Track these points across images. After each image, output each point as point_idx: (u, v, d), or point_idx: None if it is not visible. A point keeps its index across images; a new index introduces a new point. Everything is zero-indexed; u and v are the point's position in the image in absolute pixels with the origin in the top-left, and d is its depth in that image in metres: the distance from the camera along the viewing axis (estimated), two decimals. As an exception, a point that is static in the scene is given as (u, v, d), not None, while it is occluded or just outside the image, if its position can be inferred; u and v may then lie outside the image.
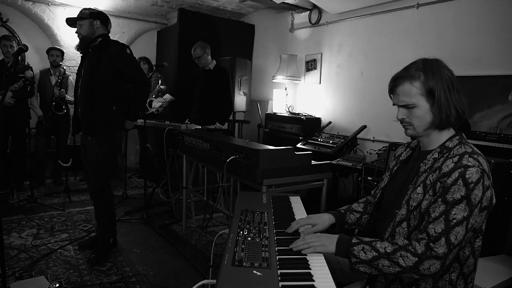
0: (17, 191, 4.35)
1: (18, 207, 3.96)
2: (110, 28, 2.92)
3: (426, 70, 1.29)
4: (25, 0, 4.99)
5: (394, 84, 1.36)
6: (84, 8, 2.80)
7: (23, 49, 2.33)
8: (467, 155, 1.24)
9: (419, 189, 1.31)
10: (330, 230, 1.57)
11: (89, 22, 2.74)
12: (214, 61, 4.10)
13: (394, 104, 1.39)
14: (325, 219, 1.58)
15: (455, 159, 1.24)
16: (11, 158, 4.43)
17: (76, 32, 2.81)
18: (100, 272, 2.69)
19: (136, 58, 2.99)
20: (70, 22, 2.83)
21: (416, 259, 1.18)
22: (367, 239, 1.30)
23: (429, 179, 1.29)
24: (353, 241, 1.29)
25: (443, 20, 3.43)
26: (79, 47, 2.86)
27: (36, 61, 5.18)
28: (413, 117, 1.33)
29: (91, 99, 2.74)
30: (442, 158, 1.30)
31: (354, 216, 1.64)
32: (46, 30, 5.30)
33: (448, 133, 1.36)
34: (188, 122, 3.85)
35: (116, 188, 4.73)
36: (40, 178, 4.87)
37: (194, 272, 2.77)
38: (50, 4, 5.13)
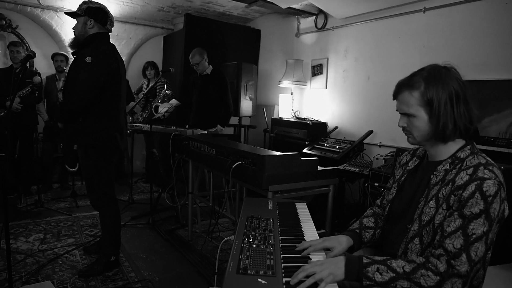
0: (24, 195, 4.38)
1: (26, 212, 3.98)
2: (111, 26, 2.65)
3: (429, 80, 1.25)
4: (34, 7, 5.04)
5: (396, 91, 1.34)
6: (83, 2, 2.56)
7: (31, 55, 2.35)
8: (482, 167, 1.18)
9: (432, 203, 1.26)
10: (348, 252, 1.49)
11: (83, 21, 2.52)
12: (211, 66, 4.16)
13: (397, 110, 1.37)
14: (343, 242, 1.45)
15: (470, 171, 1.19)
16: (19, 163, 4.47)
17: (72, 28, 2.60)
18: (106, 278, 2.68)
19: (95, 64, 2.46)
20: (71, 15, 2.63)
21: (438, 278, 1.11)
22: (378, 257, 1.21)
23: (442, 193, 1.24)
24: (364, 261, 1.19)
25: (451, 24, 3.41)
26: (70, 46, 2.63)
27: (44, 66, 5.23)
28: (413, 126, 1.31)
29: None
30: (454, 170, 1.25)
31: (369, 233, 1.55)
32: (54, 36, 5.36)
33: (457, 143, 1.31)
34: (187, 128, 3.86)
35: (122, 193, 4.75)
36: (47, 183, 4.90)
37: (200, 278, 2.76)
38: (58, 10, 5.18)
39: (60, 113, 2.56)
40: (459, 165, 1.25)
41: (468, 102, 1.25)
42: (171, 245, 3.32)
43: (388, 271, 1.15)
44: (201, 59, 4.01)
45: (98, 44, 2.53)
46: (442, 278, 1.11)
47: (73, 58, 2.61)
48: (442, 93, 1.23)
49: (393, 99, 1.37)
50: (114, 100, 2.62)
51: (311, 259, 1.30)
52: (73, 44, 2.60)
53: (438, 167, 1.31)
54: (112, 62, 2.54)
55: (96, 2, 2.61)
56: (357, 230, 1.56)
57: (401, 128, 1.36)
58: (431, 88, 1.24)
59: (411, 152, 1.57)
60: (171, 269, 2.88)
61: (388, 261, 1.19)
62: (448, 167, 1.28)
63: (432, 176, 1.31)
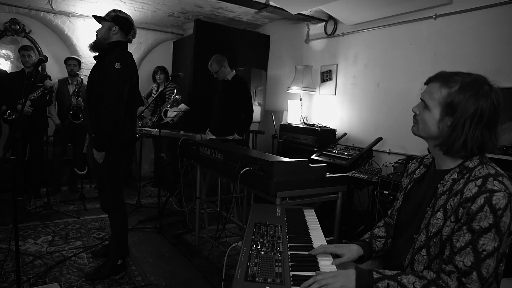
0: (34, 197, 4.42)
1: (35, 214, 4.02)
2: (132, 37, 2.75)
3: (466, 87, 1.19)
4: (47, 12, 5.12)
5: (431, 78, 1.29)
6: (113, 10, 2.66)
7: (43, 59, 2.38)
8: (491, 178, 1.14)
9: (439, 214, 1.22)
10: (357, 262, 1.49)
11: (109, 26, 2.60)
12: (234, 71, 4.05)
13: (420, 96, 1.33)
14: (354, 250, 1.47)
15: (478, 182, 1.14)
16: (29, 165, 4.51)
17: (96, 31, 2.68)
18: (113, 281, 2.69)
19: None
20: (97, 19, 2.70)
21: None
22: (389, 272, 1.20)
23: (450, 204, 1.20)
24: (375, 276, 1.18)
25: (462, 31, 3.38)
26: (90, 47, 2.68)
27: (55, 70, 5.29)
28: (422, 117, 1.28)
29: (88, 107, 2.68)
30: (462, 180, 1.21)
31: (380, 243, 1.55)
32: (65, 41, 5.43)
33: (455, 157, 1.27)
34: (209, 133, 3.85)
35: (130, 196, 4.76)
36: (56, 185, 4.94)
37: (206, 284, 2.75)
38: (70, 15, 5.26)
39: (97, 140, 2.54)
40: (467, 175, 1.21)
41: (490, 129, 1.19)
42: (178, 249, 3.32)
43: (398, 287, 1.14)
44: (219, 67, 3.89)
45: (121, 52, 2.61)
46: None
47: (89, 65, 2.67)
48: (470, 107, 1.17)
49: (425, 84, 1.32)
50: (134, 104, 2.74)
51: (319, 268, 1.29)
52: (94, 46, 2.65)
53: (446, 176, 1.27)
54: (135, 68, 2.67)
55: (124, 13, 2.69)
56: (367, 240, 1.56)
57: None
58: (462, 95, 1.18)
59: (418, 160, 1.54)
60: (178, 274, 2.87)
61: (399, 277, 1.17)
62: (455, 177, 1.24)
63: (439, 185, 1.28)
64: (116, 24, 2.61)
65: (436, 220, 1.22)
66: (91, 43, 2.68)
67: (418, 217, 1.32)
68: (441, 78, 1.24)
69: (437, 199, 1.27)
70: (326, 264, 1.33)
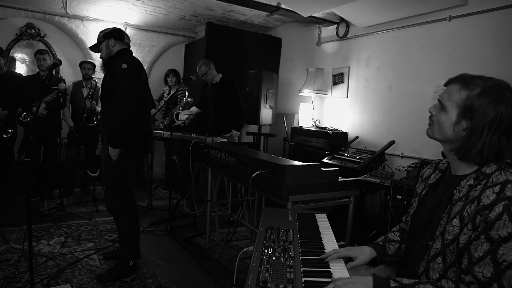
0: (47, 199, 4.47)
1: (48, 215, 4.06)
2: (129, 40, 2.87)
3: (488, 90, 1.16)
4: (62, 16, 5.20)
5: (452, 79, 1.26)
6: (99, 32, 2.81)
7: (57, 63, 2.41)
8: (510, 184, 1.10)
9: (455, 221, 1.18)
10: (370, 264, 1.48)
11: (106, 43, 2.75)
12: (220, 74, 4.22)
13: (438, 98, 1.30)
14: (366, 252, 1.45)
15: (496, 189, 1.11)
16: (43, 167, 4.57)
17: (100, 58, 2.85)
18: (124, 283, 2.70)
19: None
20: (94, 49, 2.87)
21: None
22: (406, 281, 1.16)
23: (467, 211, 1.16)
24: (392, 284, 1.14)
25: (477, 32, 3.32)
26: (101, 67, 2.90)
27: (69, 73, 5.37)
28: (438, 119, 1.25)
29: (103, 111, 2.86)
30: (479, 186, 1.17)
31: (394, 247, 1.52)
32: (79, 44, 5.50)
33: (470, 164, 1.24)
34: (207, 136, 3.88)
35: (141, 198, 4.79)
36: (69, 187, 5.00)
37: (217, 287, 2.74)
38: (84, 19, 5.33)
39: (111, 136, 2.65)
40: (484, 181, 1.17)
41: (509, 136, 1.15)
42: (189, 252, 3.32)
43: None
44: (207, 69, 4.09)
45: (126, 56, 2.75)
46: None
47: (96, 66, 2.77)
48: (490, 112, 1.14)
49: (444, 85, 1.30)
50: (144, 103, 2.80)
51: (332, 273, 1.27)
52: (105, 63, 2.82)
53: (462, 182, 1.23)
54: (142, 70, 2.78)
55: (109, 28, 2.84)
56: (381, 243, 1.54)
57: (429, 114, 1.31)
58: (482, 99, 1.15)
59: (433, 166, 1.50)
60: (188, 277, 2.87)
61: (416, 286, 1.13)
62: (472, 183, 1.20)
63: (455, 192, 1.24)
64: (109, 38, 2.74)
65: (452, 227, 1.19)
66: (101, 65, 2.89)
67: (433, 223, 1.29)
68: (462, 80, 1.22)
69: (452, 205, 1.23)
70: (338, 269, 1.31)
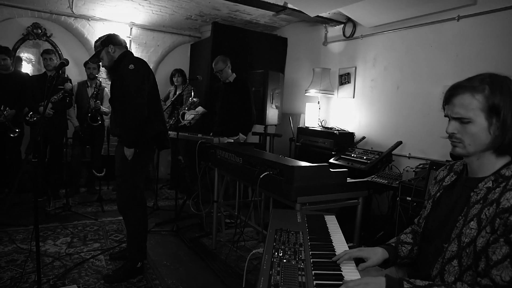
0: (53, 199, 4.48)
1: (54, 215, 4.07)
2: (125, 43, 2.88)
3: (494, 84, 1.16)
4: (68, 16, 5.21)
5: (452, 93, 1.22)
6: (95, 42, 2.81)
7: (64, 63, 2.40)
8: None
9: (473, 224, 1.16)
10: (382, 266, 1.46)
11: (105, 51, 2.75)
12: (234, 74, 4.13)
13: (446, 116, 1.26)
14: (379, 253, 1.43)
15: None
16: (49, 167, 4.58)
17: (102, 66, 2.86)
18: (130, 284, 2.69)
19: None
20: (95, 60, 2.87)
21: None
22: (420, 282, 1.13)
23: (485, 214, 1.14)
24: (405, 286, 1.12)
25: (486, 32, 3.28)
26: (107, 74, 2.94)
27: (75, 73, 5.38)
28: (466, 133, 1.19)
29: (113, 112, 2.88)
30: (498, 189, 1.15)
31: (406, 249, 1.50)
32: (85, 44, 5.51)
33: (503, 159, 1.21)
34: (212, 136, 3.85)
35: (147, 198, 4.76)
36: (75, 187, 5.01)
37: (224, 288, 2.73)
38: (90, 19, 5.34)
39: (126, 136, 2.67)
40: (503, 183, 1.15)
41: None
42: (195, 253, 3.31)
43: None
44: (224, 66, 3.99)
45: (131, 57, 2.77)
46: None
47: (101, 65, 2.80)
48: (510, 101, 1.14)
49: (444, 104, 1.26)
50: (155, 101, 2.81)
51: (343, 276, 1.25)
52: (109, 70, 2.85)
53: (479, 184, 1.21)
54: (149, 68, 2.80)
55: (103, 35, 2.82)
56: (393, 244, 1.52)
57: (449, 135, 1.25)
58: (497, 93, 1.15)
59: (447, 167, 1.47)
60: (195, 278, 2.86)
61: None
62: (490, 185, 1.18)
63: (472, 194, 1.22)
64: (108, 45, 2.75)
65: (469, 230, 1.16)
66: (106, 73, 2.95)
67: (449, 226, 1.26)
68: (464, 88, 1.19)
69: (470, 208, 1.21)
70: (349, 271, 1.29)
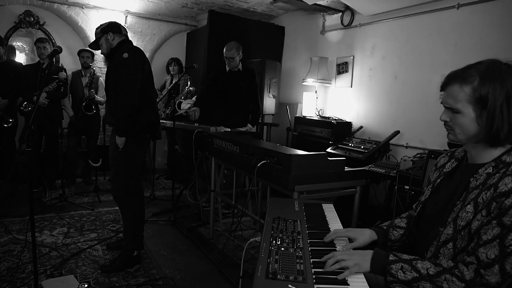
0: (49, 189, 4.45)
1: (50, 206, 4.05)
2: (126, 31, 2.86)
3: (486, 75, 1.15)
4: (61, 4, 5.12)
5: (445, 82, 1.24)
6: (96, 28, 2.80)
7: (58, 50, 2.36)
8: None
9: (469, 208, 1.17)
10: (370, 247, 1.47)
11: (104, 38, 2.75)
12: (240, 62, 3.98)
13: (441, 102, 1.28)
14: (366, 234, 1.45)
15: None
16: (44, 158, 4.55)
17: (101, 53, 2.85)
18: (128, 274, 2.68)
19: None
20: (94, 46, 2.85)
21: (463, 285, 1.07)
22: (406, 256, 1.19)
23: (482, 197, 1.15)
24: (390, 258, 1.19)
25: (486, 21, 3.25)
26: (104, 61, 2.93)
27: (70, 62, 5.31)
28: (455, 123, 1.22)
29: (107, 101, 2.87)
30: (497, 174, 1.15)
31: (398, 233, 1.51)
32: (79, 33, 5.43)
33: (502, 147, 1.21)
34: (219, 126, 3.78)
35: (144, 189, 4.74)
36: (71, 177, 4.98)
37: (221, 277, 2.73)
38: (84, 7, 5.25)
39: (117, 125, 2.65)
40: (504, 169, 1.15)
41: None
42: (193, 243, 3.30)
43: (412, 271, 1.14)
44: (237, 54, 3.80)
45: (128, 46, 2.75)
46: (467, 286, 1.07)
47: (103, 57, 2.90)
48: (500, 92, 1.12)
49: (440, 91, 1.28)
50: (148, 90, 2.77)
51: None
52: (107, 56, 2.83)
53: (480, 170, 1.22)
54: (145, 58, 2.78)
55: (104, 23, 2.82)
56: (385, 227, 1.54)
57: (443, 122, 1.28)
58: (487, 84, 1.14)
59: (448, 154, 1.47)
60: (193, 267, 2.86)
61: (414, 261, 1.17)
62: (490, 171, 1.18)
63: (472, 179, 1.23)
64: (107, 32, 2.74)
65: (465, 213, 1.18)
66: (104, 59, 2.92)
67: (447, 211, 1.27)
68: (456, 78, 1.20)
69: (468, 193, 1.21)
70: (341, 244, 1.41)
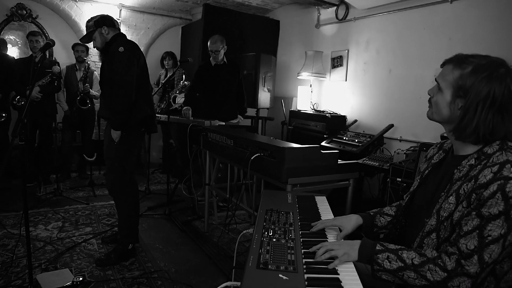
0: (44, 184, 4.44)
1: (45, 200, 4.05)
2: (119, 26, 2.86)
3: (480, 68, 1.15)
4: (54, -3, 5.08)
5: (448, 60, 1.26)
6: (87, 21, 2.75)
7: (50, 44, 2.35)
8: (509, 165, 1.10)
9: (451, 199, 1.20)
10: (356, 232, 1.50)
11: (98, 32, 2.71)
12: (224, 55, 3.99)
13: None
14: (352, 220, 1.50)
15: (495, 168, 1.11)
16: (39, 152, 4.53)
17: (94, 47, 2.82)
18: (123, 267, 2.69)
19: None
20: (86, 40, 2.82)
21: (446, 274, 1.10)
22: (392, 246, 1.23)
23: (463, 189, 1.17)
24: (377, 247, 1.22)
25: (480, 15, 3.26)
26: (99, 55, 2.89)
27: (63, 56, 5.28)
28: (434, 100, 1.27)
29: (102, 95, 2.85)
30: (479, 166, 1.17)
31: (385, 220, 1.54)
32: (73, 26, 5.39)
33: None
34: (213, 120, 3.77)
35: (139, 183, 4.75)
36: (66, 172, 4.97)
37: (216, 270, 2.75)
38: (77, 0, 5.21)
39: (113, 119, 2.64)
40: (485, 161, 1.17)
41: (503, 114, 1.14)
42: (188, 236, 3.32)
43: (397, 260, 1.18)
44: (222, 46, 3.81)
45: (123, 39, 2.73)
46: (449, 276, 1.10)
47: (97, 51, 2.87)
48: (482, 89, 1.13)
49: (440, 66, 1.29)
50: (143, 84, 2.77)
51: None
52: (101, 51, 2.80)
53: (463, 162, 1.24)
54: (140, 52, 2.77)
55: (96, 15, 2.78)
56: (372, 213, 1.58)
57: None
58: (474, 77, 1.15)
59: (437, 146, 1.50)
60: (187, 260, 2.87)
61: (400, 251, 1.20)
62: (473, 162, 1.20)
63: (455, 171, 1.25)
64: (101, 26, 2.70)
65: (448, 204, 1.20)
66: (98, 54, 2.90)
67: (433, 202, 1.30)
68: (455, 60, 1.22)
69: (452, 184, 1.24)
70: (332, 234, 1.45)
